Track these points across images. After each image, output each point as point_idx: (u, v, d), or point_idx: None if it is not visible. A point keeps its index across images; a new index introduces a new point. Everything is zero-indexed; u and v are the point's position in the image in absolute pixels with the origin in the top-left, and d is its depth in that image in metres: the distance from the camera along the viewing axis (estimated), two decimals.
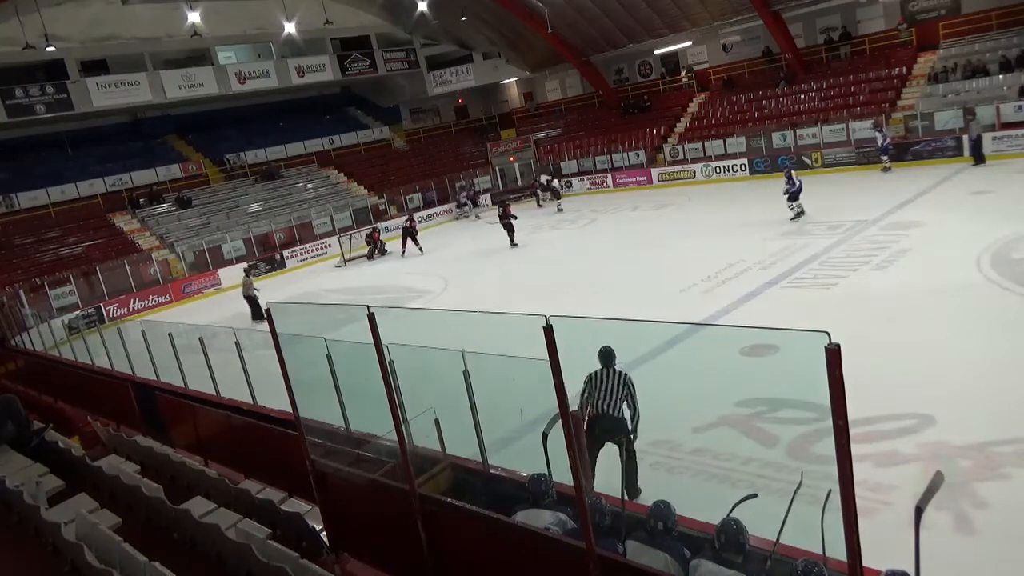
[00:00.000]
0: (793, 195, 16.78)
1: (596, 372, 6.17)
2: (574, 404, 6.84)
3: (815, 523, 3.02)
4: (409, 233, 22.95)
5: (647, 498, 3.80)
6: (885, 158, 20.71)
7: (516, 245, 20.39)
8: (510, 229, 20.45)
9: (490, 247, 21.97)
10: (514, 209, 21.63)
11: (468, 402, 4.61)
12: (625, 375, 6.16)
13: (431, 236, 25.50)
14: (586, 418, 6.07)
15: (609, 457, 6.55)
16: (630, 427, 6.09)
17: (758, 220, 17.13)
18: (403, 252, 22.84)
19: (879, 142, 20.73)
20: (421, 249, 22.58)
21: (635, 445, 6.13)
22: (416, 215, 25.80)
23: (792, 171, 17.63)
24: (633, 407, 6.10)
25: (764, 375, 7.50)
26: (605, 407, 6.06)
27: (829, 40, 26.59)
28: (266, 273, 24.12)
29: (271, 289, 21.08)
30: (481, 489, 4.60)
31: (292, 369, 4.96)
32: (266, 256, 24.71)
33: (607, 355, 6.16)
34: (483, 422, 4.68)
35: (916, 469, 5.84)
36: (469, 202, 29.06)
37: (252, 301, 16.77)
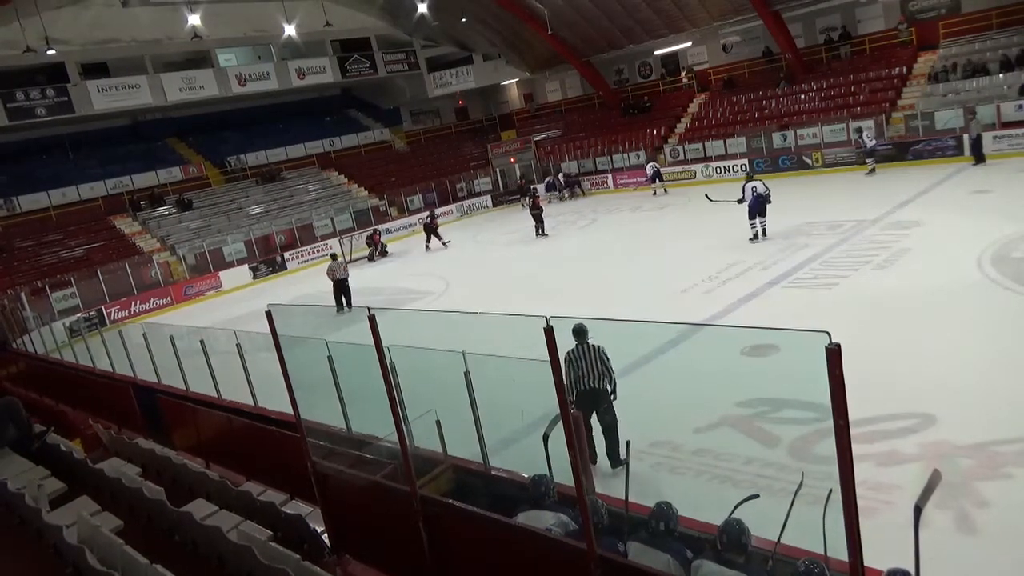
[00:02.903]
0: (751, 211, 15.10)
1: (574, 350, 6.31)
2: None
3: (817, 523, 3.02)
4: (431, 229, 23.21)
5: (648, 499, 3.79)
6: (870, 160, 20.96)
7: (546, 235, 21.28)
8: (539, 219, 21.38)
9: (491, 247, 22.00)
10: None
11: (469, 403, 4.61)
12: (600, 348, 6.37)
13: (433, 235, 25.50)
14: (574, 397, 6.28)
15: (605, 457, 6.56)
16: (611, 394, 6.38)
17: None
18: (427, 247, 23.12)
19: (866, 145, 20.97)
20: (445, 243, 22.90)
21: (634, 446, 6.14)
22: (436, 211, 26.20)
23: (748, 182, 15.38)
24: (611, 376, 6.42)
25: (765, 375, 7.50)
26: (591, 384, 6.32)
27: (829, 40, 26.59)
28: (267, 275, 24.16)
29: (271, 290, 21.12)
30: (482, 490, 4.61)
31: (293, 371, 4.96)
32: (268, 258, 24.76)
33: (581, 331, 6.32)
34: (484, 423, 4.69)
35: (917, 469, 5.82)
36: (558, 187, 29.49)
37: (340, 286, 16.06)
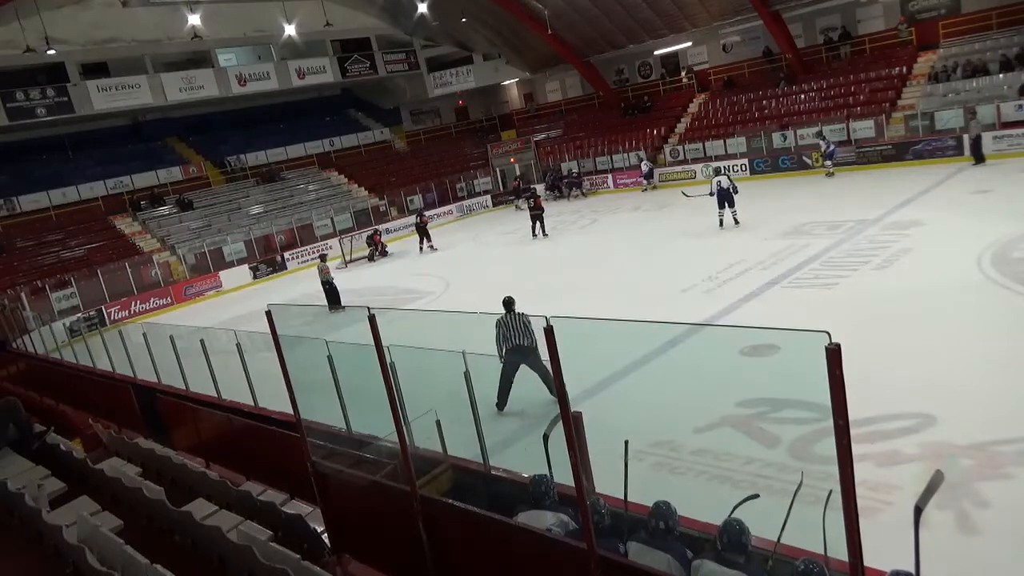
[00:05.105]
0: (719, 201, 16.90)
1: (503, 317, 7.96)
2: (576, 403, 6.89)
3: (817, 523, 3.02)
4: (421, 230, 23.09)
5: (648, 499, 3.80)
6: (829, 163, 21.37)
7: (546, 235, 21.27)
8: (539, 220, 21.29)
9: (491, 248, 22.00)
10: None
11: (469, 403, 4.61)
12: (523, 314, 7.99)
13: (434, 236, 25.51)
14: (504, 351, 7.89)
15: (606, 457, 6.55)
16: (535, 350, 7.76)
17: (758, 220, 17.13)
18: (420, 249, 22.96)
19: (824, 148, 21.44)
20: (432, 247, 22.79)
21: (634, 446, 6.15)
22: (426, 212, 25.83)
23: (715, 176, 17.52)
24: (532, 336, 7.84)
25: (765, 375, 7.50)
26: (517, 341, 7.83)
27: (829, 40, 26.59)
28: (267, 275, 24.16)
29: (271, 290, 21.12)
30: (482, 490, 4.60)
31: (293, 371, 4.96)
32: (268, 258, 24.76)
33: (509, 302, 8.14)
34: (484, 423, 4.68)
35: (918, 469, 5.82)
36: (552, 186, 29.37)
37: (328, 287, 16.59)
